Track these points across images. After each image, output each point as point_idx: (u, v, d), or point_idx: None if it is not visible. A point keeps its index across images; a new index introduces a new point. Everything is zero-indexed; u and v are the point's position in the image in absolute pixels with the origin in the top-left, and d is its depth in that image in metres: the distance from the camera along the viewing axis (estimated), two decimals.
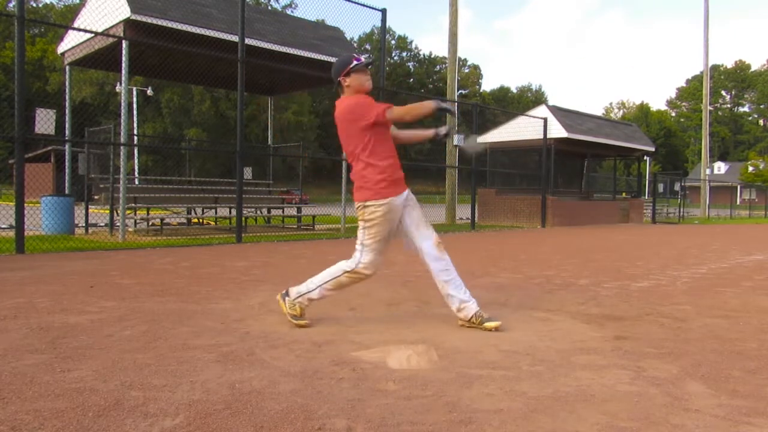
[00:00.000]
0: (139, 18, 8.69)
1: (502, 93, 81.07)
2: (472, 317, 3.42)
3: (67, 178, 10.44)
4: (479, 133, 16.43)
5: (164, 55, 10.50)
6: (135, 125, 27.05)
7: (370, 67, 3.46)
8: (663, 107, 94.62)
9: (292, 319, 3.38)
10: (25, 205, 7.01)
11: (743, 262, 7.71)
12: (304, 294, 3.40)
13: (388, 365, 2.67)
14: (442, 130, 3.66)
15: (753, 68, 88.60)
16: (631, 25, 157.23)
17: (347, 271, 3.36)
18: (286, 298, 3.43)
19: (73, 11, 32.43)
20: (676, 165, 76.05)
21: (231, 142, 22.43)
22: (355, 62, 3.36)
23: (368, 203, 3.33)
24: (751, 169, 57.06)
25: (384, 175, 3.35)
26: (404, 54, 73.61)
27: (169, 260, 6.52)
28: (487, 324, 3.38)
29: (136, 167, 21.63)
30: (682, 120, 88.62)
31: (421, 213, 3.53)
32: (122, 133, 9.06)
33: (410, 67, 73.28)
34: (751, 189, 52.59)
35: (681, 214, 24.50)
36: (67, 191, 10.42)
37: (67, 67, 10.78)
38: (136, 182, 14.28)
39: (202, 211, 11.79)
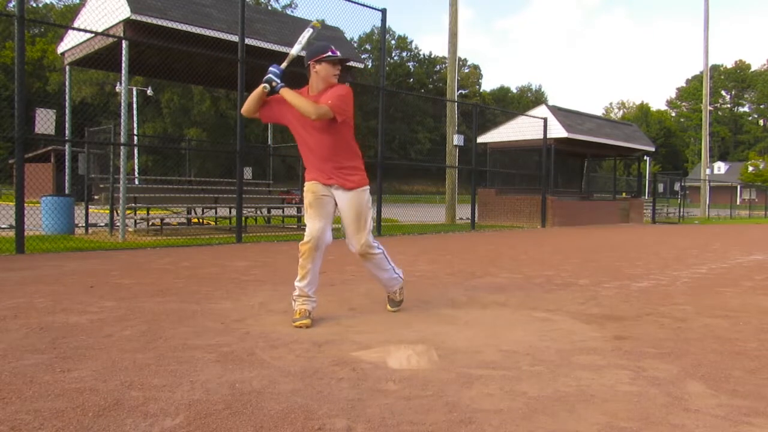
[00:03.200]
0: (139, 18, 8.69)
1: (502, 93, 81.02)
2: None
3: (67, 178, 10.43)
4: (479, 132, 16.41)
5: (164, 55, 10.50)
6: (135, 125, 27.03)
7: (341, 63, 3.50)
8: (663, 107, 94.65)
9: (292, 320, 3.41)
10: (25, 205, 7.01)
11: (743, 262, 7.71)
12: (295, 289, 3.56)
13: (388, 365, 2.67)
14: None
15: (753, 68, 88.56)
16: (631, 25, 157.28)
17: (299, 245, 3.55)
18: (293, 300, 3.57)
19: (73, 11, 32.41)
20: (676, 165, 76.02)
21: (231, 142, 22.42)
22: (329, 53, 3.41)
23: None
24: (751, 169, 57.07)
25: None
26: (404, 54, 73.55)
27: (169, 260, 6.51)
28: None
29: (136, 167, 21.62)
30: (682, 120, 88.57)
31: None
32: (122, 133, 9.06)
33: (410, 67, 73.20)
34: (751, 189, 52.57)
35: (681, 214, 24.50)
36: (67, 191, 10.42)
37: (67, 67, 10.77)
38: (136, 182, 14.27)
39: (202, 211, 11.78)
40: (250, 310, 3.85)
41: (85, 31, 8.83)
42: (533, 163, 18.01)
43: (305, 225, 3.58)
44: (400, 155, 53.73)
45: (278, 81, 3.43)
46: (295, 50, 3.57)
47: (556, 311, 4.01)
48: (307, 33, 3.66)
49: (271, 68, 3.46)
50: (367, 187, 3.68)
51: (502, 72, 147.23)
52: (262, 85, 3.45)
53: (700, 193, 30.51)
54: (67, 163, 10.30)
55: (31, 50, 39.77)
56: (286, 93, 3.39)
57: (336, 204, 3.61)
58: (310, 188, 3.55)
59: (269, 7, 41.62)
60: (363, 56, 47.52)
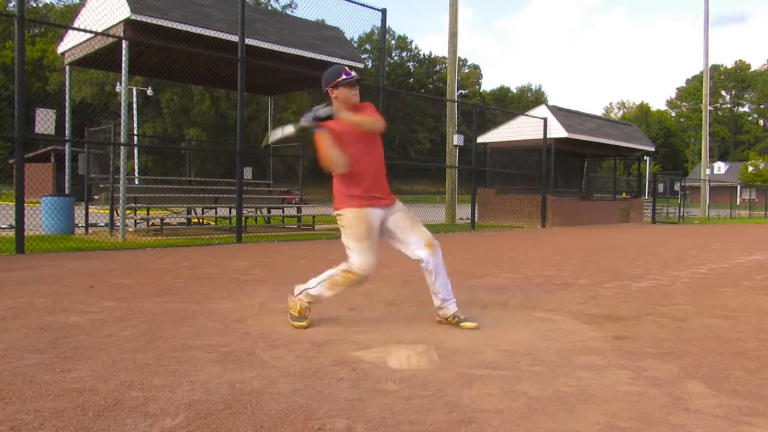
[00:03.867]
0: (139, 18, 8.69)
1: (502, 93, 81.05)
2: (449, 317, 3.52)
3: (67, 178, 10.43)
4: (479, 132, 16.42)
5: (164, 55, 10.50)
6: (135, 125, 27.02)
7: (358, 83, 3.42)
8: (663, 107, 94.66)
9: (291, 320, 3.40)
10: (25, 205, 7.01)
11: (743, 262, 7.71)
12: (304, 289, 3.45)
13: (388, 365, 2.67)
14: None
15: (753, 68, 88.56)
16: (631, 25, 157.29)
17: (343, 270, 3.39)
18: (291, 296, 3.49)
19: (73, 11, 32.41)
20: (676, 165, 76.02)
21: (231, 142, 22.43)
22: (344, 76, 3.34)
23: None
24: (751, 169, 57.09)
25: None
26: (404, 54, 73.57)
27: (169, 260, 6.51)
28: (464, 324, 3.46)
29: (136, 167, 21.62)
30: (682, 120, 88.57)
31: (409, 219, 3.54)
32: (122, 133, 9.06)
33: (410, 67, 73.22)
34: (751, 189, 52.57)
35: (681, 214, 24.49)
36: (67, 191, 10.41)
37: (67, 67, 10.78)
38: (136, 182, 14.28)
39: (202, 211, 11.79)
40: (250, 310, 3.85)
41: (85, 31, 8.83)
42: (533, 163, 18.01)
43: (351, 249, 3.35)
44: (400, 155, 53.71)
45: (325, 109, 3.27)
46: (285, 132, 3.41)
47: (556, 311, 4.01)
48: (287, 129, 3.42)
49: (312, 111, 3.28)
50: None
51: (502, 72, 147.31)
52: (310, 124, 3.25)
53: (700, 193, 30.50)
54: (67, 163, 10.29)
55: (31, 50, 39.78)
56: (344, 116, 3.25)
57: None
58: (364, 218, 3.33)
59: (269, 7, 41.62)
60: (363, 56, 47.56)
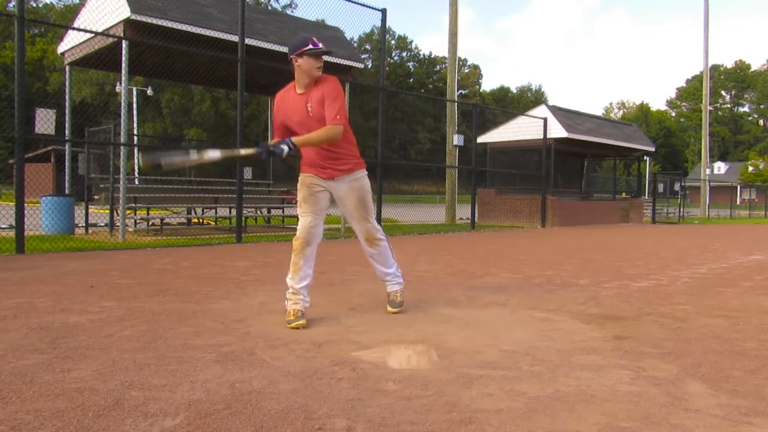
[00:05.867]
0: (139, 18, 8.69)
1: (502, 93, 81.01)
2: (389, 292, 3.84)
3: (67, 178, 10.43)
4: (479, 132, 16.41)
5: (164, 55, 10.50)
6: (135, 125, 27.02)
7: (323, 56, 3.40)
8: (663, 107, 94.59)
9: (286, 323, 3.40)
10: (25, 205, 7.01)
11: (743, 262, 7.71)
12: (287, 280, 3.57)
13: (388, 365, 2.67)
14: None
15: (753, 68, 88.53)
16: (631, 25, 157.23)
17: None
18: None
19: (73, 11, 32.40)
20: (676, 165, 75.99)
21: (231, 142, 22.42)
22: (311, 46, 3.32)
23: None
24: (751, 169, 57.06)
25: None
26: (404, 54, 73.55)
27: (169, 260, 6.51)
28: (389, 308, 3.74)
29: (136, 167, 21.59)
30: (682, 120, 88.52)
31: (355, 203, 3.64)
32: (122, 133, 9.05)
33: (410, 67, 73.18)
34: (751, 189, 52.55)
35: (681, 214, 24.49)
36: (67, 191, 10.41)
37: (67, 67, 10.77)
38: (136, 182, 14.26)
39: (202, 211, 11.78)
40: (250, 310, 3.85)
41: (85, 31, 8.83)
42: (533, 163, 18.02)
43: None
44: (400, 155, 53.74)
45: (283, 147, 3.21)
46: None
47: (556, 311, 4.01)
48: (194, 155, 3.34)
49: (273, 149, 3.22)
50: (365, 170, 3.63)
51: (502, 72, 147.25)
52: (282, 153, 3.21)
53: (700, 193, 30.50)
54: (67, 163, 10.29)
55: (31, 50, 39.76)
56: (299, 141, 3.28)
57: (332, 197, 3.57)
58: (305, 181, 3.53)
59: (269, 7, 41.59)
60: (363, 56, 47.51)
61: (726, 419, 2.08)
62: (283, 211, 13.10)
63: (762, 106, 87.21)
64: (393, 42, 69.90)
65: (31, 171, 15.79)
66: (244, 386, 2.32)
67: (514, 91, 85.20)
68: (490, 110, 46.93)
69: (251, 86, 12.78)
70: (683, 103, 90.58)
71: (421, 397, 2.24)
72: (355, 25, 25.11)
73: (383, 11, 10.88)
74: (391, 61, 68.08)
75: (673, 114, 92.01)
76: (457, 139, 16.18)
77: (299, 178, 3.56)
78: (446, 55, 17.93)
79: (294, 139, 3.29)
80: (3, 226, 9.76)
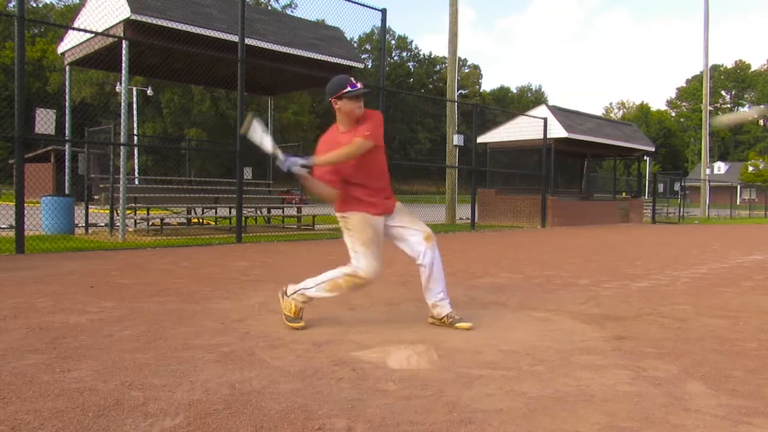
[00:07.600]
0: (139, 18, 8.69)
1: (502, 93, 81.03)
2: (443, 317, 3.49)
3: (67, 178, 10.43)
4: (480, 132, 16.40)
5: (164, 55, 10.50)
6: (135, 125, 27.02)
7: (363, 96, 3.33)
8: (663, 107, 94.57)
9: (287, 321, 3.38)
10: (25, 205, 7.01)
11: (743, 262, 7.71)
12: (300, 290, 3.40)
13: (388, 365, 2.67)
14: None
15: (753, 68, 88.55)
16: (632, 25, 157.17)
17: (347, 274, 3.36)
18: (285, 297, 3.43)
19: (73, 11, 32.40)
20: (676, 165, 76.01)
21: (231, 142, 22.43)
22: (349, 88, 3.26)
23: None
24: (751, 169, 57.08)
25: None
26: (404, 54, 73.57)
27: (169, 260, 6.51)
28: (459, 324, 3.43)
29: (136, 167, 21.62)
30: (682, 120, 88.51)
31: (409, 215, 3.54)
32: (122, 133, 9.06)
33: (410, 67, 73.19)
34: (751, 189, 52.55)
35: (681, 214, 24.49)
36: (67, 191, 10.41)
37: (67, 67, 10.78)
38: (136, 182, 14.27)
39: (202, 211, 11.79)
40: (250, 310, 3.85)
41: (85, 31, 8.83)
42: (533, 163, 18.01)
43: (359, 254, 3.34)
44: (400, 155, 53.69)
45: (302, 161, 3.14)
46: (262, 141, 3.24)
47: (556, 311, 4.01)
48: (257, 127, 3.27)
49: (288, 163, 3.13)
50: None
51: (502, 72, 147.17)
52: (301, 172, 3.15)
53: (700, 193, 30.48)
54: (67, 163, 10.29)
55: (31, 50, 39.76)
56: (320, 160, 3.20)
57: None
58: (370, 222, 3.34)
59: (269, 7, 41.60)
60: (363, 56, 47.53)
61: (726, 419, 2.08)
62: (283, 211, 13.10)
63: (762, 106, 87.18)
64: (393, 42, 69.92)
65: (31, 171, 15.81)
66: (244, 386, 2.32)
67: (514, 91, 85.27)
68: (490, 110, 46.94)
69: (251, 86, 12.79)
70: (683, 103, 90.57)
71: (421, 397, 2.24)
72: (355, 25, 25.14)
73: (383, 11, 10.87)
74: (391, 61, 68.09)
75: (673, 114, 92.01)
76: (457, 139, 16.18)
77: (359, 216, 3.33)
78: (446, 55, 17.93)
79: (317, 159, 3.18)
80: (3, 226, 9.76)
